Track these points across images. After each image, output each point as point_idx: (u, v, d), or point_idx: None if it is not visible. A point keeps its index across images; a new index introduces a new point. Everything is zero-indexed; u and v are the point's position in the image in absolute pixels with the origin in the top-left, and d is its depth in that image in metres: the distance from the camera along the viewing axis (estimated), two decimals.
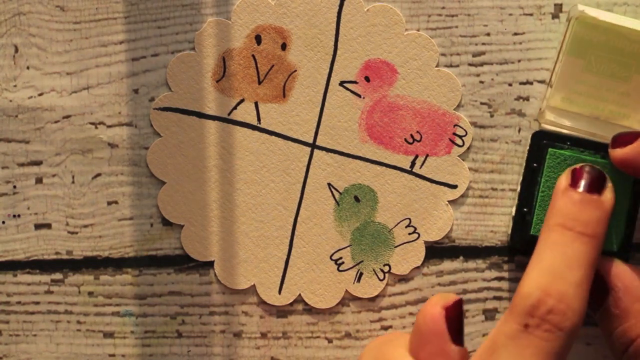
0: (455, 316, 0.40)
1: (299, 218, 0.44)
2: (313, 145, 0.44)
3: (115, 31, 0.44)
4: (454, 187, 0.44)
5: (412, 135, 0.44)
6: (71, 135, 0.44)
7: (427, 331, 0.39)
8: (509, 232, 0.43)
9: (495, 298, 0.44)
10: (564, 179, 0.40)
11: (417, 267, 0.44)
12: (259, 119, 0.44)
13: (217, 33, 0.43)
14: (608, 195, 0.40)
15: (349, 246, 0.44)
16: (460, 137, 0.44)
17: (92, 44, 0.44)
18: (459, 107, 0.44)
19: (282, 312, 0.44)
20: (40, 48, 0.44)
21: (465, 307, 0.44)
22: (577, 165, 0.41)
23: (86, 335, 0.45)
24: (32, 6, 0.44)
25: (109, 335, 0.45)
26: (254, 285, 0.44)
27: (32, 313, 0.45)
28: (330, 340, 0.45)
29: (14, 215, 0.45)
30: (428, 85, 0.43)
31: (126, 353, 0.45)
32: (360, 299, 0.44)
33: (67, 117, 0.44)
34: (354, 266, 0.44)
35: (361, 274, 0.44)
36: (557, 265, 0.38)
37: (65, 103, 0.44)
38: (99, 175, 0.44)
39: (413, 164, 0.44)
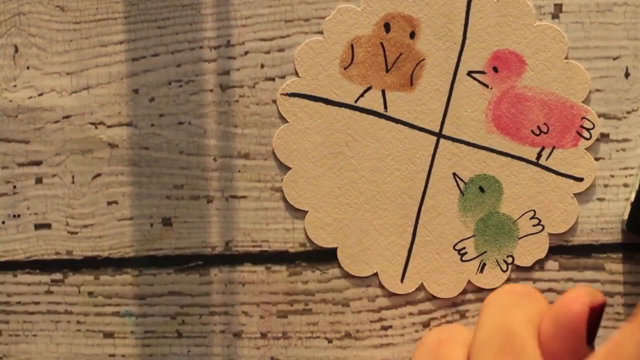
0: (596, 319, 0.39)
1: (423, 207, 0.44)
2: (439, 135, 0.44)
3: (115, 31, 0.44)
4: (580, 180, 0.44)
5: (539, 127, 0.43)
6: (71, 135, 0.44)
7: (566, 326, 0.38)
8: (625, 217, 0.43)
9: None
10: None
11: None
12: (385, 107, 0.44)
13: (346, 20, 0.43)
14: None
15: (472, 236, 0.44)
16: (588, 130, 0.43)
17: (92, 44, 0.44)
18: (587, 100, 0.44)
19: (281, 312, 0.44)
20: (40, 48, 0.44)
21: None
22: None
23: (86, 335, 0.45)
24: (32, 6, 0.44)
25: (109, 335, 0.45)
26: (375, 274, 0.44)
27: (32, 313, 0.45)
28: (330, 340, 0.45)
29: (14, 215, 0.45)
30: (556, 77, 0.43)
31: (126, 353, 0.45)
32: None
33: (67, 117, 0.44)
34: (477, 256, 0.44)
35: (484, 264, 0.44)
36: None
37: (65, 103, 0.44)
38: (99, 175, 0.44)
39: (539, 155, 0.43)
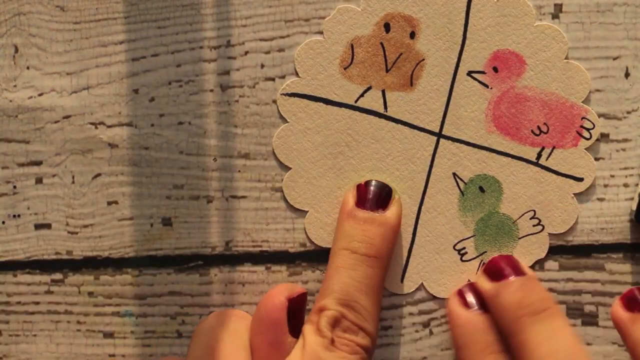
0: (297, 308, 0.41)
1: (423, 207, 0.44)
2: (439, 135, 0.44)
3: (115, 31, 0.44)
4: (580, 180, 0.44)
5: (539, 127, 0.43)
6: (71, 135, 0.44)
7: (267, 319, 0.40)
8: (633, 208, 0.43)
9: None
10: (350, 198, 0.42)
11: None
12: (385, 107, 0.44)
13: (346, 20, 0.43)
14: (393, 209, 0.41)
15: (472, 236, 0.44)
16: (588, 130, 0.43)
17: (92, 44, 0.44)
18: (587, 100, 0.44)
19: None
20: (40, 48, 0.44)
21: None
22: (363, 181, 0.42)
23: (86, 335, 0.45)
24: (32, 6, 0.44)
25: (109, 335, 0.45)
26: None
27: (32, 313, 0.45)
28: None
29: (14, 215, 0.45)
30: (556, 77, 0.43)
31: (126, 353, 0.45)
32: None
33: (67, 117, 0.44)
34: (477, 256, 0.44)
35: (484, 264, 0.44)
36: (347, 289, 0.40)
37: (65, 103, 0.44)
38: (99, 175, 0.44)
39: (539, 155, 0.43)
